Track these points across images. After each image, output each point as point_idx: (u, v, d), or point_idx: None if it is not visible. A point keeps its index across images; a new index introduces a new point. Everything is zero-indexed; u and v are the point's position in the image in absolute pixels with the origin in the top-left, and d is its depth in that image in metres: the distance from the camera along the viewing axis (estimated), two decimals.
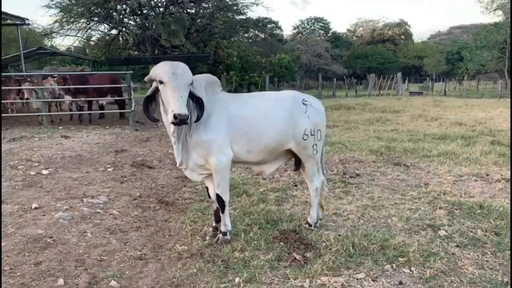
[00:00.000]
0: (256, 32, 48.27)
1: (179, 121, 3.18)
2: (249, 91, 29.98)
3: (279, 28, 56.30)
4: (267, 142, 3.84)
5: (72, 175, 6.35)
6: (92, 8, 20.31)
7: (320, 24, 64.49)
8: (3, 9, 16.06)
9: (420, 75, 60.33)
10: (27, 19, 17.53)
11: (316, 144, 4.05)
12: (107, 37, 23.23)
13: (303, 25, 64.71)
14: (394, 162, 7.22)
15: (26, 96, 12.43)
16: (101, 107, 14.46)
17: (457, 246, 3.85)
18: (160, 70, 3.36)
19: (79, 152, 8.22)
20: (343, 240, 3.86)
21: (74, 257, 3.54)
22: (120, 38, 22.63)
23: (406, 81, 42.83)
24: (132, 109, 12.76)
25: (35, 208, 4.68)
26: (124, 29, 21.51)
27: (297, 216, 4.59)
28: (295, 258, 3.60)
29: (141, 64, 24.45)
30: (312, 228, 4.25)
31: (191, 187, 5.74)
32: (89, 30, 21.73)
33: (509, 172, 6.37)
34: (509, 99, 21.81)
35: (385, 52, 60.30)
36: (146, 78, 3.55)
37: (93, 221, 4.41)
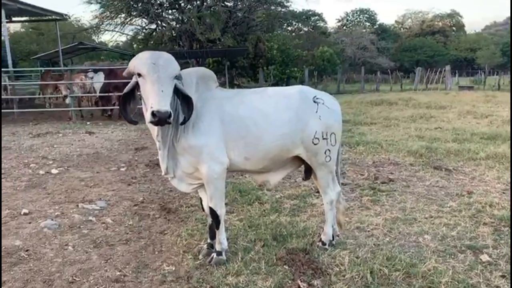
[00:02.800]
0: (300, 25, 47.29)
1: (158, 119, 2.63)
2: (287, 85, 29.22)
3: (323, 20, 54.97)
4: (267, 148, 3.26)
5: (81, 175, 6.02)
6: (131, 3, 20.34)
7: (366, 15, 62.35)
8: (43, 5, 16.32)
9: (473, 69, 57.01)
10: (66, 15, 17.71)
11: (329, 150, 3.41)
12: (145, 32, 23.24)
13: (348, 17, 62.85)
14: (435, 165, 6.37)
15: (63, 92, 12.37)
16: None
17: (502, 276, 3.10)
18: (139, 62, 2.81)
19: (98, 150, 7.95)
20: (361, 265, 3.21)
21: (43, 277, 3.09)
22: (157, 33, 22.55)
23: (456, 75, 40.45)
24: None
25: (24, 214, 4.32)
26: (161, 23, 21.38)
27: (312, 230, 3.95)
28: (298, 287, 3.00)
29: (177, 59, 24.29)
30: (327, 247, 3.60)
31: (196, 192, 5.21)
32: (127, 25, 21.75)
33: None
34: None
35: (434, 45, 57.39)
36: (124, 73, 3.02)
37: (81, 231, 3.97)
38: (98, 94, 13.03)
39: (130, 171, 6.32)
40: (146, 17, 20.87)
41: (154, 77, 2.72)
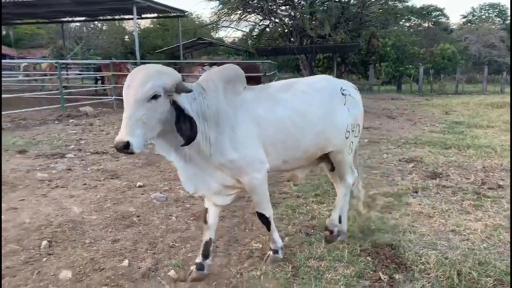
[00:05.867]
0: (419, 21, 44.68)
1: (117, 149, 2.35)
2: (399, 84, 28.00)
3: (445, 15, 51.19)
4: (306, 148, 3.12)
5: None
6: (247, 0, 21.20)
7: (496, 10, 56.62)
8: (165, 2, 17.82)
9: None
10: (187, 11, 19.11)
11: (352, 142, 3.39)
12: (259, 28, 24.01)
13: (474, 13, 57.69)
14: None
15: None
16: None
17: None
18: None
19: None
20: (448, 266, 3.12)
21: (149, 240, 3.56)
22: (270, 29, 23.16)
23: None
24: None
25: (139, 186, 4.93)
26: (274, 19, 21.92)
27: (402, 228, 3.90)
28: (379, 278, 3.03)
29: (288, 54, 24.68)
30: (334, 233, 3.53)
31: None
32: (242, 21, 22.68)
33: None
34: None
35: None
36: None
37: (184, 205, 4.43)
38: None
39: None
40: (260, 13, 21.57)
41: (125, 101, 2.41)
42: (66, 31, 26.47)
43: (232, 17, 21.81)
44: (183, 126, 2.51)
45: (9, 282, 2.88)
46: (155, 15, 22.77)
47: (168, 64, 14.79)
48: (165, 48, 30.65)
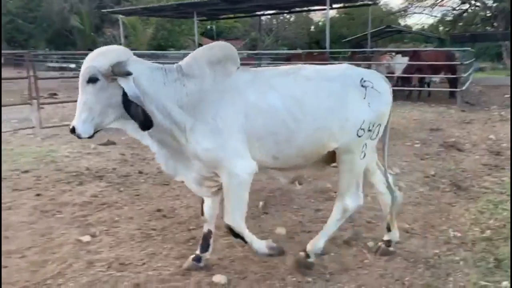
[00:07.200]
0: None
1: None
2: None
3: None
4: (301, 144, 2.67)
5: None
6: None
7: None
8: None
9: None
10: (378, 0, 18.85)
11: (366, 144, 2.78)
12: (454, 13, 22.18)
13: None
14: None
15: None
16: (428, 85, 14.20)
17: None
18: None
19: (395, 126, 8.49)
20: None
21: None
22: (468, 13, 21.15)
23: None
24: (464, 88, 11.98)
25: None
26: (474, 2, 19.96)
27: None
28: None
29: (489, 41, 22.17)
30: (311, 260, 2.94)
31: (496, 177, 5.08)
32: (436, 7, 21.29)
33: None
34: None
35: None
36: None
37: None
38: (396, 75, 13.62)
39: (424, 148, 6.64)
40: None
41: None
42: (258, 23, 28.81)
43: (425, 2, 20.68)
44: (132, 111, 2.38)
45: None
46: (346, 4, 23.03)
47: (353, 53, 14.93)
48: (351, 37, 30.75)
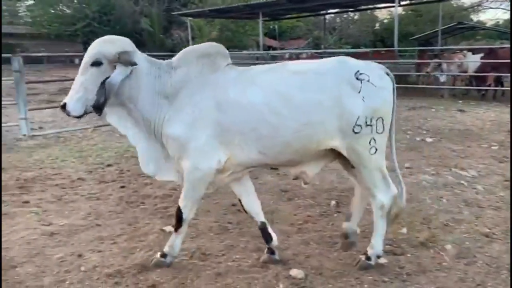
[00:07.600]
0: None
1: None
2: None
3: None
4: (287, 141, 2.64)
5: (453, 147, 6.52)
6: None
7: None
8: None
9: None
10: None
11: (374, 139, 2.66)
12: None
13: None
14: None
15: (428, 70, 13.18)
16: (502, 84, 13.38)
17: None
18: None
19: (469, 127, 8.18)
20: None
21: (423, 215, 3.85)
22: None
23: None
24: None
25: (406, 167, 5.23)
26: None
27: None
28: None
29: None
30: (372, 263, 2.91)
31: None
32: None
33: None
34: None
35: None
36: None
37: (453, 190, 4.51)
38: (469, 73, 13.00)
39: (502, 151, 6.31)
40: None
41: None
42: (322, 22, 28.56)
43: None
44: (99, 90, 2.55)
45: (312, 227, 3.65)
46: (413, 1, 22.26)
47: (422, 51, 14.48)
48: (419, 35, 29.65)
